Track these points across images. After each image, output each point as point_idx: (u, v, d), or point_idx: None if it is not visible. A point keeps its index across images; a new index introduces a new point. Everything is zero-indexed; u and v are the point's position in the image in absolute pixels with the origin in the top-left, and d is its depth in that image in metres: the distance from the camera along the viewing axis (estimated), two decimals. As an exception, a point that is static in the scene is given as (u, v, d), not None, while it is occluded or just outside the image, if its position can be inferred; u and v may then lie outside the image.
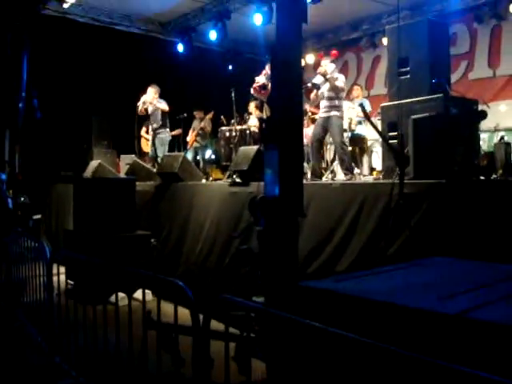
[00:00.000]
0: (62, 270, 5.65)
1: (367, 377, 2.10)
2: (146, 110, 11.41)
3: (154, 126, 11.50)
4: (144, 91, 11.78)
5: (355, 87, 11.52)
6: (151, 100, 11.40)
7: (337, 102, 8.40)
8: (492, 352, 2.01)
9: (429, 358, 1.72)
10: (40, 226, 11.78)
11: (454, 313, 2.14)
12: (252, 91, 9.96)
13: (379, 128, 6.15)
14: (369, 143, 10.22)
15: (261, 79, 9.80)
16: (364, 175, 9.09)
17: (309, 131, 10.28)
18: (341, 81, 8.51)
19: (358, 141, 9.84)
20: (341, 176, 8.37)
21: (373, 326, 2.35)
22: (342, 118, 8.48)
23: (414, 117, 5.63)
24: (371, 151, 10.26)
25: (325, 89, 8.45)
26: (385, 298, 2.32)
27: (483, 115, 6.32)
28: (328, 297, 2.50)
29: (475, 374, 1.55)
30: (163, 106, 11.46)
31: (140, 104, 11.34)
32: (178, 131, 12.33)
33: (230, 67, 13.93)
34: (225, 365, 2.73)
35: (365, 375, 2.11)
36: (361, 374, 2.14)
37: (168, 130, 11.73)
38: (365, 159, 10.15)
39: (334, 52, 9.14)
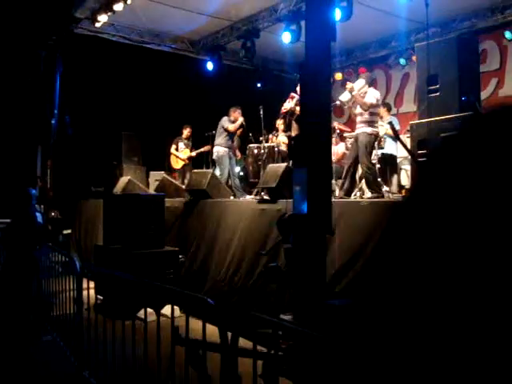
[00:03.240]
0: (92, 284, 5.72)
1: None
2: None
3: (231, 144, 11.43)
4: (174, 108, 11.90)
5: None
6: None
7: (367, 117, 8.18)
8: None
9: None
10: (70, 241, 11.93)
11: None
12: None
13: (408, 146, 6.11)
14: (398, 161, 10.15)
15: (288, 105, 9.84)
16: (393, 193, 9.01)
17: (337, 149, 10.27)
18: (371, 96, 8.29)
19: (388, 159, 9.74)
20: (369, 194, 8.29)
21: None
22: (372, 134, 8.15)
23: (443, 135, 5.60)
24: (400, 169, 10.19)
25: (356, 105, 8.38)
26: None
27: (514, 133, 6.24)
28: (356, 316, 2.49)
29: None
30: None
31: (238, 127, 11.23)
32: (206, 147, 12.42)
33: (259, 85, 14.02)
34: (252, 383, 2.73)
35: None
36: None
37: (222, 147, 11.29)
38: (394, 177, 10.06)
39: (361, 69, 9.10)
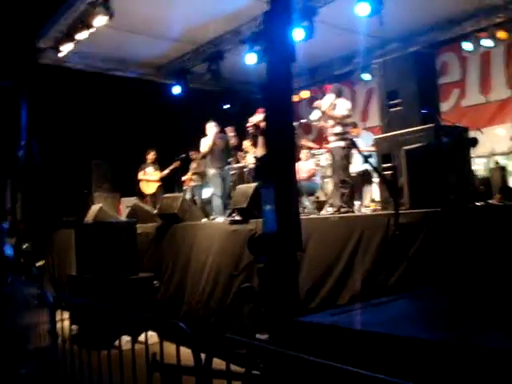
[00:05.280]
0: (67, 315, 5.68)
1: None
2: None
3: (224, 161, 10.80)
4: (142, 133, 11.89)
5: None
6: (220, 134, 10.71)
7: (339, 130, 8.06)
8: (486, 376, 2.05)
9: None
10: (43, 273, 11.78)
11: (447, 340, 2.18)
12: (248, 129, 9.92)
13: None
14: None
15: (254, 119, 9.87)
16: (366, 206, 9.10)
17: (307, 165, 10.38)
18: (341, 108, 8.20)
19: (365, 176, 9.76)
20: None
21: (369, 358, 2.38)
22: (346, 147, 7.97)
23: (406, 148, 5.72)
24: (372, 182, 10.28)
25: (328, 119, 8.31)
26: (379, 329, 2.35)
27: (474, 142, 6.41)
28: (323, 331, 2.54)
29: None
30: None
31: (209, 142, 10.60)
32: (176, 163, 12.41)
33: (227, 106, 14.11)
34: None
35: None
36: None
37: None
38: (367, 190, 10.11)
39: (326, 86, 9.17)
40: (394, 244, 4.85)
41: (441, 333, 2.32)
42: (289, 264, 4.79)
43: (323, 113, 8.30)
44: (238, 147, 11.35)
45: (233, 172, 10.56)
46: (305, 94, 14.71)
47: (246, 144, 11.07)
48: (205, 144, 10.60)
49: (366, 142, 9.67)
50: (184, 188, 12.32)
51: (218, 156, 10.61)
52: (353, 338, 2.43)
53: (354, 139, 8.19)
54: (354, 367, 2.02)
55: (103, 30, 10.29)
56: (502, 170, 7.79)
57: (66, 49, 11.15)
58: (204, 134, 10.72)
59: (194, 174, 12.20)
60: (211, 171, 10.55)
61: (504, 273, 4.54)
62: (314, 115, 8.52)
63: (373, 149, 8.36)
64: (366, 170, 9.75)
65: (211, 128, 10.61)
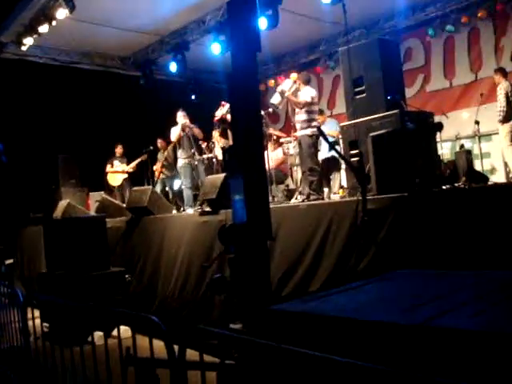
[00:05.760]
0: (38, 313, 5.63)
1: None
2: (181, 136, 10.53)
3: (191, 152, 10.63)
4: (109, 126, 11.78)
5: None
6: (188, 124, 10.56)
7: (304, 118, 8.13)
8: (452, 357, 2.09)
9: (393, 368, 1.79)
10: (13, 271, 11.63)
11: (414, 323, 2.22)
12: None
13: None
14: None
15: (219, 113, 9.89)
16: (334, 193, 9.17)
17: (276, 154, 10.39)
18: (306, 94, 8.24)
19: (330, 161, 9.82)
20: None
21: (341, 344, 2.42)
22: (312, 135, 8.02)
23: (372, 134, 5.77)
24: (340, 169, 10.34)
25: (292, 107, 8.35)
26: (348, 315, 2.39)
27: (440, 126, 6.49)
28: (295, 318, 2.57)
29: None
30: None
31: (178, 130, 10.55)
32: (143, 157, 12.36)
33: (193, 97, 14.07)
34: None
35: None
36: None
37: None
38: (336, 177, 10.18)
39: (293, 75, 9.18)
40: (363, 230, 4.90)
41: (409, 316, 2.35)
42: (259, 253, 4.82)
43: (285, 97, 8.31)
44: (208, 138, 11.33)
45: (201, 163, 10.53)
46: (272, 82, 14.74)
47: (215, 135, 11.04)
48: (174, 133, 10.62)
49: (330, 128, 9.77)
50: (155, 180, 12.26)
51: (187, 146, 10.60)
52: (324, 324, 2.46)
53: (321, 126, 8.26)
54: (327, 353, 2.04)
55: (66, 22, 10.18)
56: (468, 153, 7.91)
57: (28, 42, 11.00)
58: (173, 124, 10.71)
59: (163, 166, 12.14)
60: (180, 162, 10.57)
61: (469, 254, 4.64)
62: (275, 99, 8.53)
63: (339, 136, 8.46)
64: (334, 156, 9.82)
65: (180, 117, 10.61)
